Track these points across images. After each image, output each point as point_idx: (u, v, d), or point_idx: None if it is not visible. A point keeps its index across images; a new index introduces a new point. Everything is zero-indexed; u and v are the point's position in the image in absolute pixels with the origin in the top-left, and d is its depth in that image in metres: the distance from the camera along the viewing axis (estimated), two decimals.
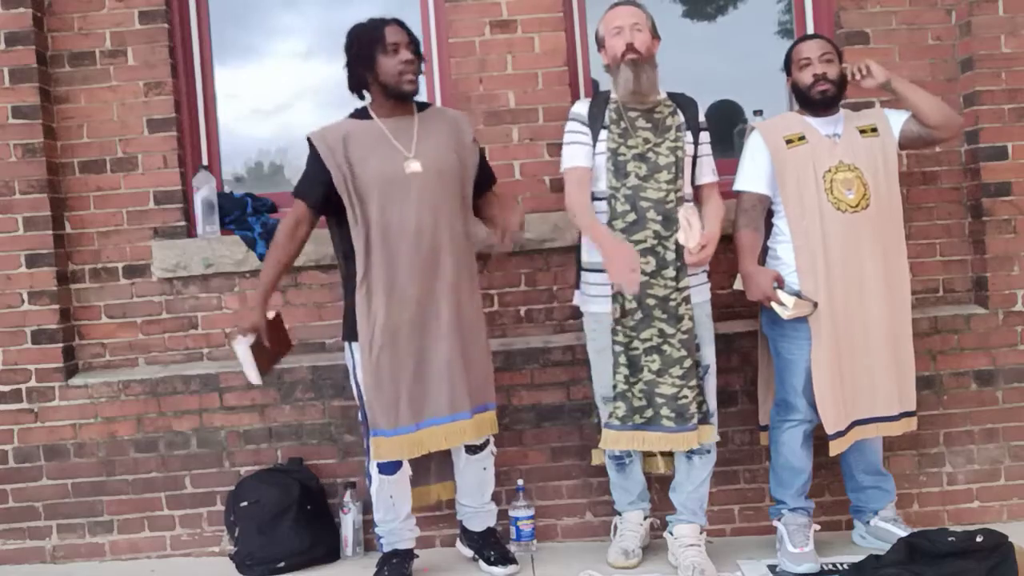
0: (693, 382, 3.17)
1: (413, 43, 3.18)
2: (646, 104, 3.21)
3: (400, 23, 3.19)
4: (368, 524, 3.58)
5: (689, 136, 3.25)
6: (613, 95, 3.23)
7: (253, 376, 3.22)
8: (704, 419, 3.22)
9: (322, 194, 3.15)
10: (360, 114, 3.24)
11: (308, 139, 3.19)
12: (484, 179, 3.35)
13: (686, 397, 3.15)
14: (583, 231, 3.24)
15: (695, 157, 3.28)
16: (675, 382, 3.16)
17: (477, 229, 3.30)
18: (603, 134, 3.19)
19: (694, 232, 3.15)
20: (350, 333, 3.21)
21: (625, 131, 3.19)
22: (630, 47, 3.14)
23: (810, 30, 3.87)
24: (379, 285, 3.11)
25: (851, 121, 3.36)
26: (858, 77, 3.28)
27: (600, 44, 3.30)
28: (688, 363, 3.16)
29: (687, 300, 3.17)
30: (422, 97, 3.86)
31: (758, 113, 3.63)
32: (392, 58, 3.13)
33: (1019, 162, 3.73)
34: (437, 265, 3.14)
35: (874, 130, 3.34)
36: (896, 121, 3.36)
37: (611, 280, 3.13)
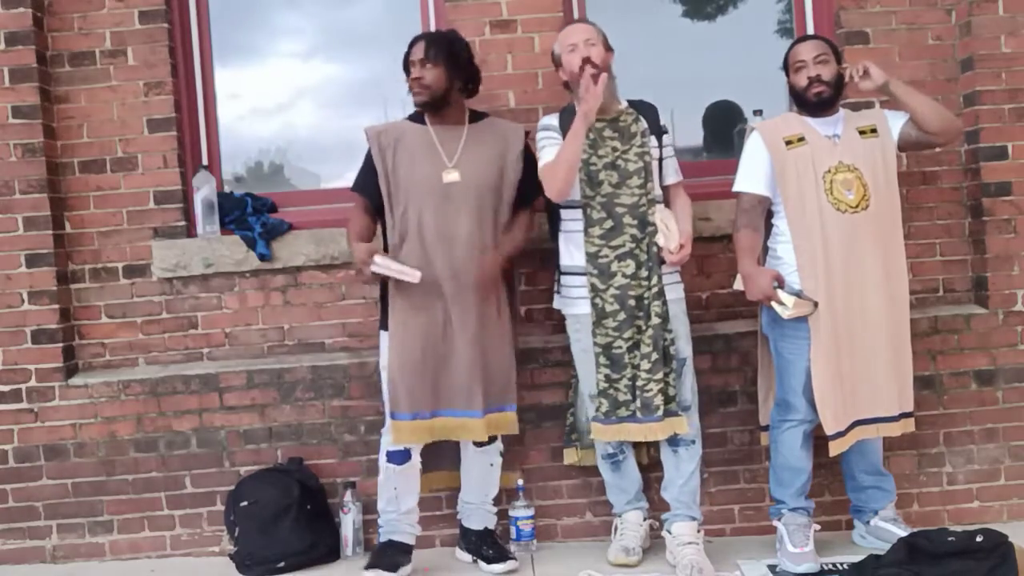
0: (659, 375, 3.23)
1: (431, 56, 3.25)
2: (610, 114, 3.29)
3: (428, 38, 3.32)
4: (368, 524, 3.59)
5: (653, 140, 3.33)
6: (577, 108, 3.23)
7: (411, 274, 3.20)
8: (673, 411, 3.27)
9: (375, 186, 3.31)
10: (418, 117, 3.38)
11: (365, 132, 3.34)
12: (528, 191, 3.39)
13: (651, 390, 3.23)
14: (572, 140, 3.16)
15: (660, 160, 3.35)
16: (642, 375, 3.24)
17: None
18: None
19: (672, 234, 3.24)
20: (386, 321, 3.32)
21: (594, 142, 3.27)
22: (587, 61, 3.20)
23: (810, 30, 3.87)
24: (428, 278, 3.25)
25: (851, 122, 3.36)
26: (856, 79, 3.28)
27: (556, 63, 3.38)
28: (655, 357, 3.23)
29: (655, 297, 3.25)
30: None
31: (758, 113, 3.63)
32: (409, 75, 3.30)
33: (1019, 162, 3.73)
34: (468, 272, 3.23)
35: (874, 131, 3.34)
36: (895, 123, 3.36)
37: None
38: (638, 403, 3.24)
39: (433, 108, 3.31)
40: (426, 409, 3.25)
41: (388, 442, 3.33)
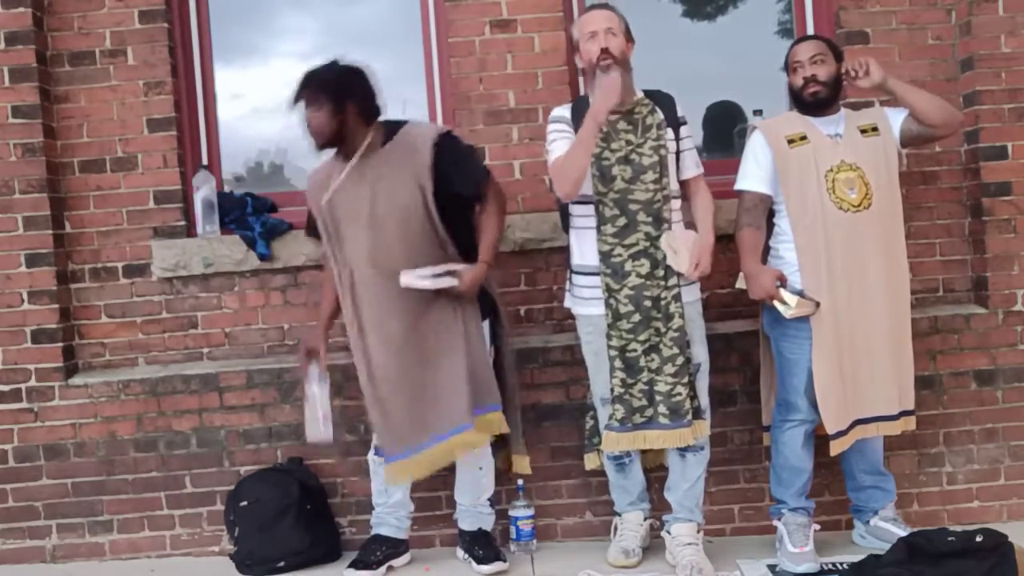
0: (685, 379, 3.19)
1: (311, 102, 3.15)
2: (624, 106, 3.20)
3: (304, 82, 3.18)
4: (365, 524, 3.58)
5: (670, 132, 3.25)
6: (591, 99, 3.19)
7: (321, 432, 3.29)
8: (697, 415, 3.24)
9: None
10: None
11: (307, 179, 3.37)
12: (464, 190, 3.23)
13: (680, 394, 3.18)
14: (583, 142, 3.07)
15: (678, 152, 3.28)
16: (668, 380, 3.18)
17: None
18: None
19: (681, 255, 3.15)
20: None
21: (607, 135, 3.19)
22: (605, 52, 3.13)
23: (810, 30, 3.87)
24: (368, 323, 3.23)
25: (852, 120, 3.36)
26: (854, 75, 3.28)
27: (575, 48, 3.29)
28: (680, 360, 3.18)
29: (676, 298, 3.19)
30: (422, 98, 3.89)
31: (758, 113, 3.63)
32: None
33: (1019, 162, 3.73)
34: (406, 301, 3.17)
35: (875, 129, 3.34)
36: (895, 120, 3.36)
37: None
38: (663, 408, 3.18)
39: (333, 147, 3.23)
40: (413, 443, 3.21)
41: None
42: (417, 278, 3.10)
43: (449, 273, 3.12)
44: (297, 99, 3.17)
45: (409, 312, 3.19)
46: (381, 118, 3.27)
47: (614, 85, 3.04)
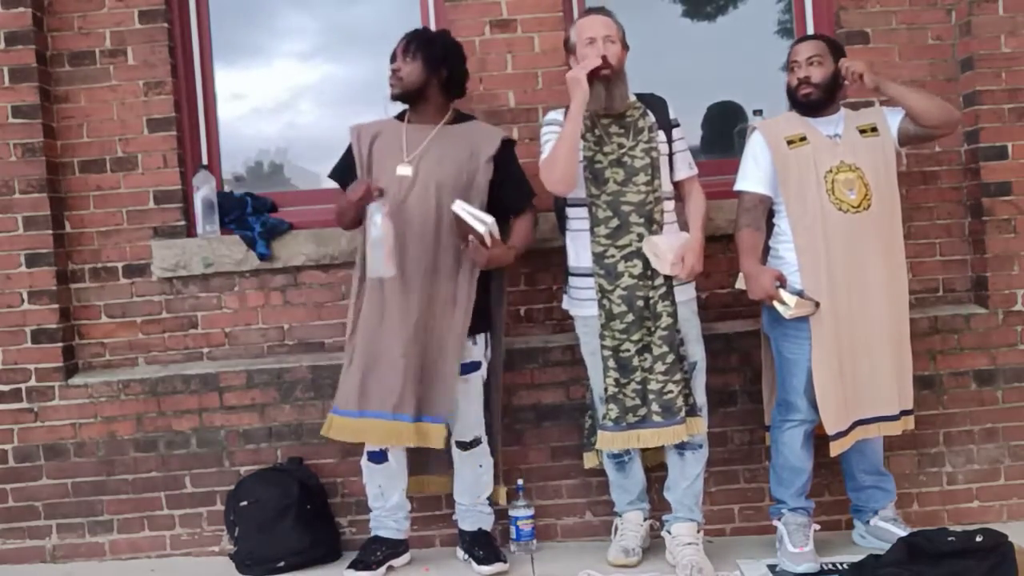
0: (677, 376, 3.20)
1: (411, 51, 3.28)
2: (617, 110, 3.23)
3: (412, 34, 3.34)
4: (362, 523, 3.58)
5: (662, 135, 3.27)
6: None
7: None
8: (692, 411, 3.25)
9: (350, 177, 3.36)
10: (402, 115, 3.40)
11: (350, 129, 3.41)
12: (512, 198, 3.36)
13: (671, 392, 3.19)
14: (567, 125, 3.14)
15: (670, 155, 3.30)
16: (659, 378, 3.19)
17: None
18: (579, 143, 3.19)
19: (663, 259, 3.18)
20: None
21: (600, 139, 3.22)
22: (603, 61, 3.14)
23: (810, 30, 3.87)
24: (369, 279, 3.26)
25: (851, 121, 3.36)
26: (847, 84, 3.30)
27: (571, 51, 3.29)
28: (670, 358, 3.19)
29: (663, 297, 3.20)
30: None
31: (758, 113, 3.63)
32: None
33: (1019, 162, 3.73)
34: (415, 272, 3.22)
35: (874, 130, 3.34)
36: (893, 120, 3.37)
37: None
38: (656, 407, 3.19)
39: (407, 101, 3.34)
40: (354, 408, 3.25)
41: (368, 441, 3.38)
42: (465, 210, 3.11)
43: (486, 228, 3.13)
44: (401, 47, 3.29)
45: (413, 280, 3.22)
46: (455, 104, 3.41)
47: (595, 59, 3.12)
